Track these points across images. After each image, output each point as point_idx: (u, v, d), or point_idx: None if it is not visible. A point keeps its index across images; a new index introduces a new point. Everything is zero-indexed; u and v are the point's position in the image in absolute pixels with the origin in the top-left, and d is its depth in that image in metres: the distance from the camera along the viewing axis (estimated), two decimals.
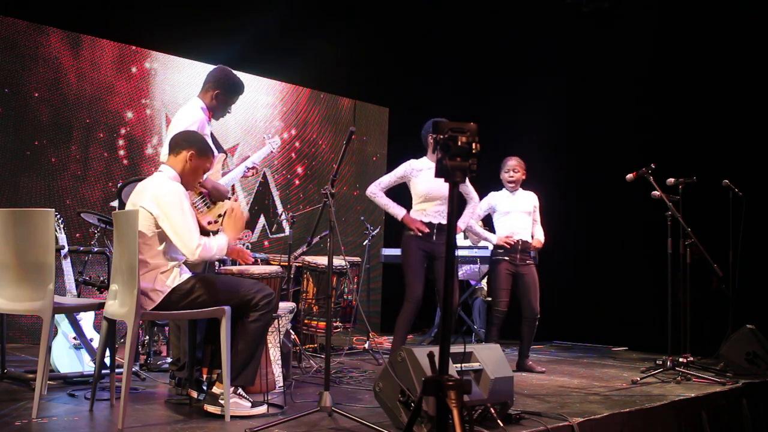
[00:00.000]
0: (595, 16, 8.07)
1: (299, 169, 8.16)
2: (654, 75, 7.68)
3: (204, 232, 3.62)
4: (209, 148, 3.63)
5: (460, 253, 6.93)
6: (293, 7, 7.40)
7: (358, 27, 7.99)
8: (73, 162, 6.40)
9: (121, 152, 6.71)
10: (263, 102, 7.88)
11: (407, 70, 8.52)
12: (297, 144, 8.17)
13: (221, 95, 4.08)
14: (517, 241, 5.42)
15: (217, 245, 3.37)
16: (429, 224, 4.89)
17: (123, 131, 6.73)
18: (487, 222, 5.93)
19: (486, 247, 7.44)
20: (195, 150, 3.48)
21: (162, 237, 3.31)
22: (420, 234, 4.83)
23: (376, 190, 5.02)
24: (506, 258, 5.41)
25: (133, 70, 6.83)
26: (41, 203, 6.00)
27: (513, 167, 5.52)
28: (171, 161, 3.49)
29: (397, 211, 4.94)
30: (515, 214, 5.50)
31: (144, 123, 6.88)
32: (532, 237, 5.54)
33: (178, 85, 7.09)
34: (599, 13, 8.04)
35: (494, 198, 5.59)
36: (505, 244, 5.39)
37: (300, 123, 8.19)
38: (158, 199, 3.30)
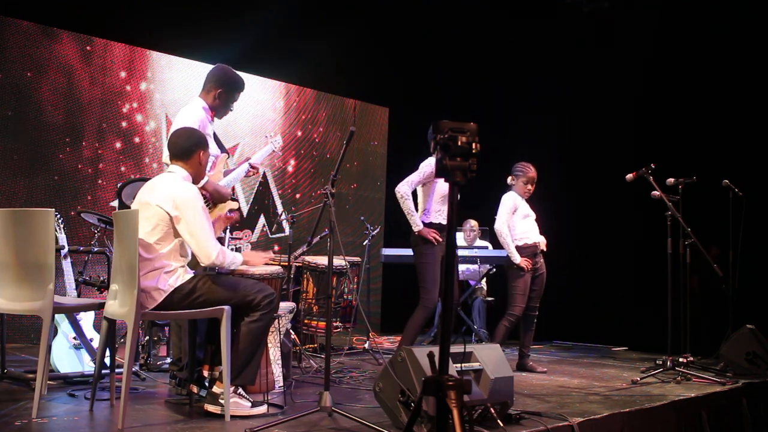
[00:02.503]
0: (595, 16, 8.08)
1: (301, 169, 8.16)
2: (654, 75, 7.68)
3: None
4: (207, 141, 3.67)
5: (459, 253, 6.92)
6: (294, 8, 7.40)
7: (359, 27, 7.99)
8: (74, 162, 6.40)
9: (120, 151, 6.70)
10: (266, 102, 7.88)
11: (407, 70, 8.52)
12: (299, 144, 8.16)
13: (223, 93, 4.07)
14: (536, 244, 5.41)
15: (232, 256, 3.41)
16: None
17: (123, 131, 6.72)
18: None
19: (485, 247, 7.45)
20: (203, 148, 3.54)
21: (170, 237, 3.31)
22: (436, 242, 4.79)
23: (408, 192, 4.86)
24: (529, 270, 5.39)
25: (134, 70, 6.83)
26: (42, 203, 6.00)
27: (534, 179, 5.44)
28: (183, 164, 3.47)
29: (418, 221, 4.87)
30: (532, 219, 5.48)
31: (144, 123, 6.87)
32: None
33: (178, 85, 7.09)
34: (599, 13, 8.05)
35: (517, 199, 5.46)
36: (525, 269, 5.32)
37: (300, 123, 8.18)
38: (177, 201, 3.29)
